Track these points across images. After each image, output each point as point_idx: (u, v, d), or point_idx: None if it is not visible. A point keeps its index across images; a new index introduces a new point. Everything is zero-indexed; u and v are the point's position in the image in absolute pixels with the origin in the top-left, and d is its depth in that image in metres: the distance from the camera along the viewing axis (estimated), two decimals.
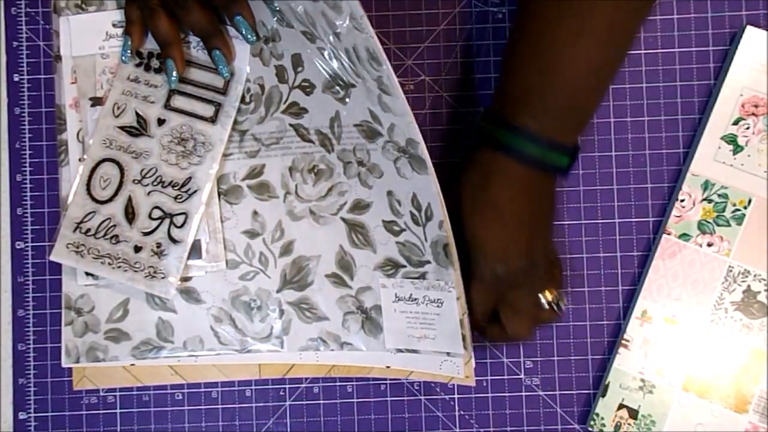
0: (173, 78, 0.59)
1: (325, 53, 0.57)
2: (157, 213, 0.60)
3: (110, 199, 0.60)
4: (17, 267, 0.63)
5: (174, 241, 0.60)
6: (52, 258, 0.59)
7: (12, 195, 0.63)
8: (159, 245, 0.60)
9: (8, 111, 0.63)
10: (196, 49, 0.60)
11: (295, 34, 0.58)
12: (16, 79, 0.64)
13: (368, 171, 0.59)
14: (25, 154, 0.63)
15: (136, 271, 0.60)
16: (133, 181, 0.60)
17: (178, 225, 0.60)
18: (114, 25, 0.61)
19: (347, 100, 0.58)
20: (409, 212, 0.58)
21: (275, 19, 0.58)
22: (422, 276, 0.58)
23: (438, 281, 0.58)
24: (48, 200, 0.63)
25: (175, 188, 0.60)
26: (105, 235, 0.60)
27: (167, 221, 0.60)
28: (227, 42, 0.60)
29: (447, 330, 0.58)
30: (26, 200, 0.63)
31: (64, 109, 0.61)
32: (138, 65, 0.60)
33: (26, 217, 0.63)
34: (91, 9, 0.61)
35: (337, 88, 0.58)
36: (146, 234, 0.60)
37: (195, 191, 0.60)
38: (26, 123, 0.63)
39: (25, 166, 0.63)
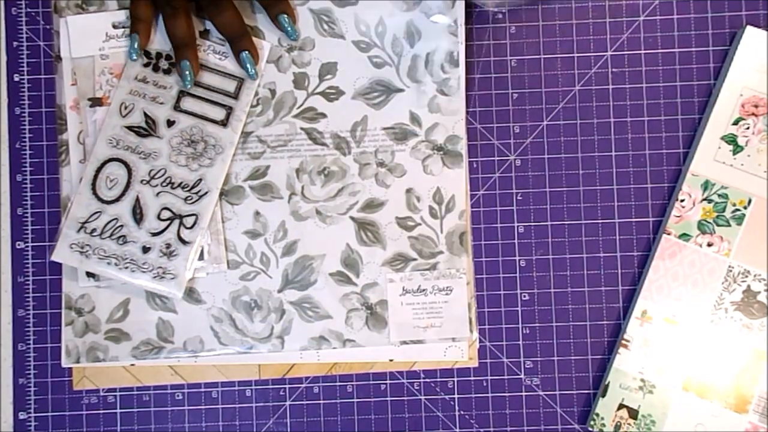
0: (189, 80, 0.59)
1: (377, 61, 0.59)
2: (166, 214, 0.60)
3: (117, 199, 0.60)
4: (17, 267, 0.63)
5: (183, 242, 0.60)
6: (54, 258, 0.59)
7: (12, 195, 0.63)
8: (168, 246, 0.60)
9: (8, 111, 0.63)
10: (207, 53, 0.60)
11: (340, 44, 0.59)
12: (16, 79, 0.63)
13: (388, 171, 0.60)
14: (25, 154, 0.63)
15: (143, 272, 0.59)
16: (141, 181, 0.60)
17: (188, 226, 0.60)
18: (114, 27, 0.61)
19: (385, 105, 0.60)
20: (428, 206, 0.60)
21: (317, 29, 0.60)
22: (433, 267, 0.60)
23: (449, 269, 0.59)
24: (48, 200, 0.63)
25: (185, 189, 0.60)
26: (111, 235, 0.60)
27: (177, 222, 0.60)
28: (254, 44, 0.60)
29: (454, 315, 0.59)
30: (26, 200, 0.63)
31: (65, 110, 0.61)
32: (146, 65, 0.60)
33: (26, 217, 0.63)
34: (92, 9, 0.61)
35: (375, 94, 0.59)
36: (155, 234, 0.60)
37: (206, 193, 0.60)
38: (26, 123, 0.63)
39: (25, 166, 0.63)
